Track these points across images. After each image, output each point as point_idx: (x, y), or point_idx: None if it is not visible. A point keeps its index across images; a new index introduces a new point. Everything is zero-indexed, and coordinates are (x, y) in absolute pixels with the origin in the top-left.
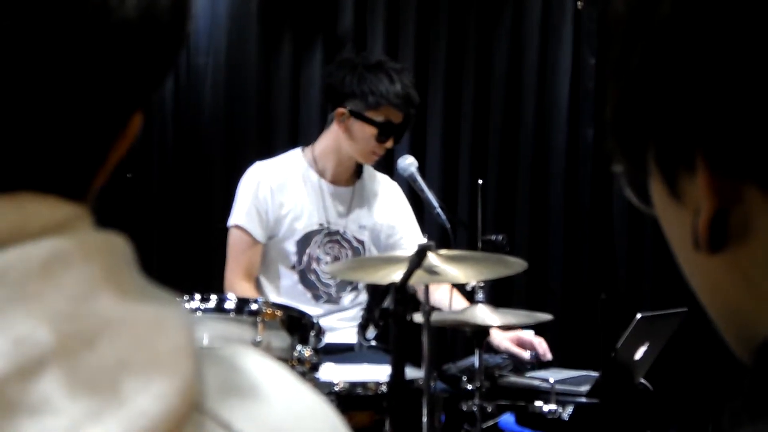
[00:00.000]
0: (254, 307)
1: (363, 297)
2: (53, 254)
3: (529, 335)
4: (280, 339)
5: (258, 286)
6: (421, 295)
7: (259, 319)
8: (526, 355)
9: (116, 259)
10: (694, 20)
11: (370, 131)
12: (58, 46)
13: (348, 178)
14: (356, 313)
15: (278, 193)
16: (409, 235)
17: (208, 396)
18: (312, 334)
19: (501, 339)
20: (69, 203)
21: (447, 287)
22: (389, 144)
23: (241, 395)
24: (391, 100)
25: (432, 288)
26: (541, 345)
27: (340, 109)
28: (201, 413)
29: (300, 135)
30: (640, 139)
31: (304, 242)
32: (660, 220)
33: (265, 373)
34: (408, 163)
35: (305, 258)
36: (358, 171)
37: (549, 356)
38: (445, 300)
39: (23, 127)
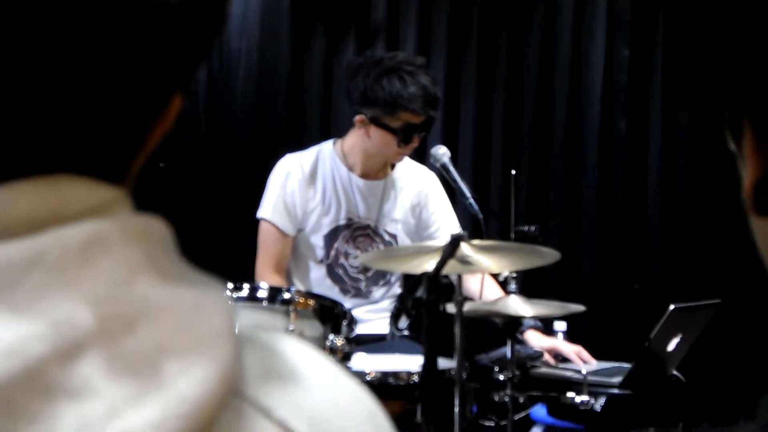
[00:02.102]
0: (287, 296)
1: (395, 290)
2: (92, 237)
3: (566, 346)
4: (313, 328)
5: (288, 278)
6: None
7: (291, 308)
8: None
9: (156, 242)
10: None
11: (391, 137)
12: (100, 28)
13: (378, 172)
14: (387, 305)
15: (307, 187)
16: (446, 227)
17: (248, 381)
18: (344, 323)
19: (537, 345)
20: (108, 186)
21: (481, 276)
22: (414, 144)
23: (280, 381)
24: (406, 104)
25: (467, 276)
26: (581, 355)
27: (359, 117)
28: (240, 398)
29: (332, 126)
30: (715, 103)
31: (332, 237)
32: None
33: (305, 359)
34: (441, 153)
35: (332, 252)
36: (392, 163)
37: (593, 362)
38: (479, 289)
39: (63, 109)
